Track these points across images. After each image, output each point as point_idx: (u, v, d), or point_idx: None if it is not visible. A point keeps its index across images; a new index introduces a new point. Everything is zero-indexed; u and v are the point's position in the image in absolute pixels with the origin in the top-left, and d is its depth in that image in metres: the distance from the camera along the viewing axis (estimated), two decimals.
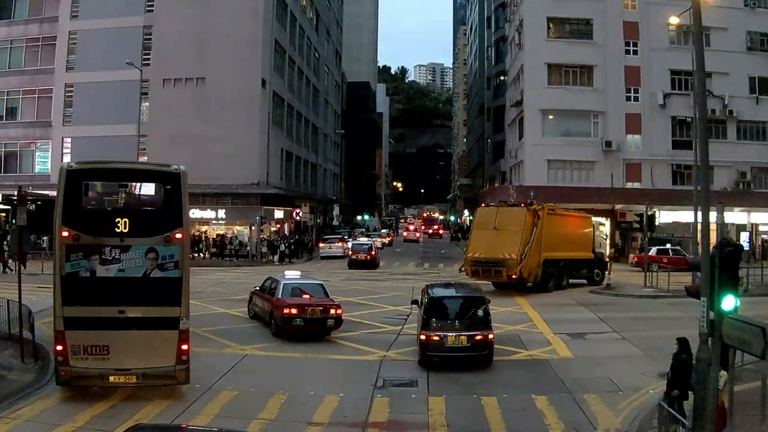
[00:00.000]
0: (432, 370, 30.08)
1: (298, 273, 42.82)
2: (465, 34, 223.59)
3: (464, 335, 30.32)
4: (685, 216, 71.86)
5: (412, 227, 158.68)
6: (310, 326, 35.46)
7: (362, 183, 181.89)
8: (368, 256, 78.61)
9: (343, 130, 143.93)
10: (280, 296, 36.72)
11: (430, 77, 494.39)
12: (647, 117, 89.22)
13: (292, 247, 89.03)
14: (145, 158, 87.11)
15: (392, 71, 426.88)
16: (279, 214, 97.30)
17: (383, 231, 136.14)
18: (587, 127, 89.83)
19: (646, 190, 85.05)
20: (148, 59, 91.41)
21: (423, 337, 30.72)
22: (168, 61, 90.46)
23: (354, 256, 79.07)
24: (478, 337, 30.34)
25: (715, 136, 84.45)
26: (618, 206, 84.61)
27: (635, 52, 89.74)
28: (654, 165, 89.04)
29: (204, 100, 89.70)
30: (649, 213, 62.30)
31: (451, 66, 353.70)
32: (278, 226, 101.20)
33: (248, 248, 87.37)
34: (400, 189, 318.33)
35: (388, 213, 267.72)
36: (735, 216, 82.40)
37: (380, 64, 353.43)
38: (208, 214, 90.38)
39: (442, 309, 31.91)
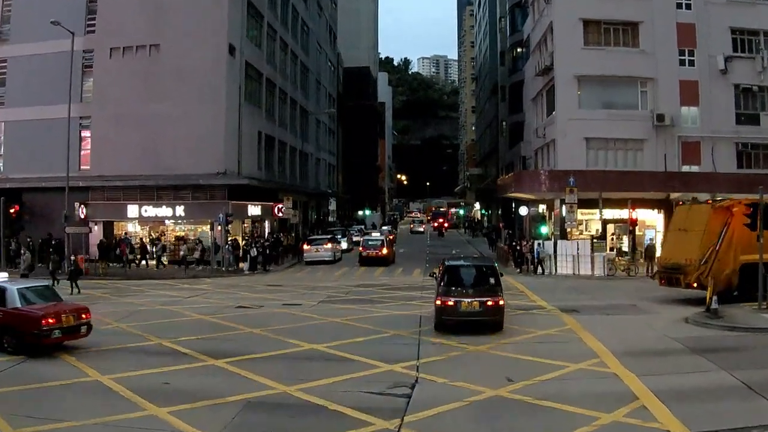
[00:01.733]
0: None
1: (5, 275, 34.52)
2: (471, 14, 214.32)
3: (477, 300, 33.35)
4: None
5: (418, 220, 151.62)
6: (67, 337, 30.83)
7: (363, 175, 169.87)
8: (379, 252, 76.62)
9: (334, 109, 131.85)
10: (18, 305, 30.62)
11: (434, 69, 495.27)
12: (705, 85, 73.01)
13: (268, 251, 71.85)
14: (88, 144, 71.62)
15: (395, 63, 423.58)
16: (254, 210, 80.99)
17: (384, 228, 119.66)
18: (633, 97, 73.82)
19: (708, 174, 70.50)
20: (93, 25, 75.53)
21: (439, 302, 34.00)
22: (116, 26, 74.43)
23: (365, 253, 77.29)
24: (490, 303, 33.33)
25: None
26: (674, 195, 68.06)
27: (688, 6, 73.56)
28: (715, 144, 73.13)
29: (159, 72, 73.48)
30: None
31: (456, 58, 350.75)
32: (257, 225, 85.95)
33: (208, 254, 70.62)
34: (405, 182, 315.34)
35: (392, 207, 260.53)
36: None
37: (383, 55, 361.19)
38: (163, 211, 73.94)
39: (457, 277, 35.82)
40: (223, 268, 67.41)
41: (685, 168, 72.79)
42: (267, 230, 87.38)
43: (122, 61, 74.52)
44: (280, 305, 45.07)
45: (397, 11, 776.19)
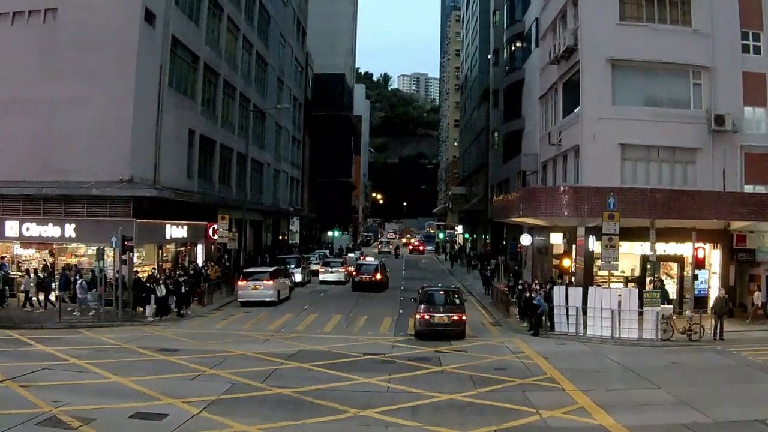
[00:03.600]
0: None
1: None
2: (458, 20, 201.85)
3: (445, 315, 44.43)
4: None
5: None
6: None
7: (334, 193, 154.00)
8: (373, 278, 73.77)
9: (288, 105, 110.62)
10: None
11: (414, 87, 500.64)
12: None
13: (183, 287, 52.98)
14: None
15: (374, 78, 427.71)
16: (177, 231, 62.30)
17: (350, 256, 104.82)
18: (684, 91, 56.76)
19: None
20: None
21: (418, 316, 44.84)
22: None
23: (358, 278, 74.09)
24: (455, 318, 44.53)
25: None
26: (737, 224, 52.69)
27: None
28: None
29: (56, 44, 55.25)
30: None
31: (437, 76, 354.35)
32: (185, 251, 67.49)
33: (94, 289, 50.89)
34: (381, 201, 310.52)
35: (366, 228, 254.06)
36: None
37: (362, 70, 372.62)
38: (50, 230, 54.39)
39: (431, 299, 46.63)
40: (118, 312, 48.59)
41: (748, 188, 55.90)
42: (200, 258, 69.38)
43: (10, 30, 56.34)
44: (127, 416, 24.83)
45: (380, 28, 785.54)
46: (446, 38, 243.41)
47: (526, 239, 70.23)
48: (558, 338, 44.98)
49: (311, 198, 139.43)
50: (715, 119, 54.59)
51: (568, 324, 46.06)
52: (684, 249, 52.86)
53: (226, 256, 72.17)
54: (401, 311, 56.18)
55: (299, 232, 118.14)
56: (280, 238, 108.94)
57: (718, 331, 44.28)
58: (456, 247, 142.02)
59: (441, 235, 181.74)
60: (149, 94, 56.96)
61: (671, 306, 47.21)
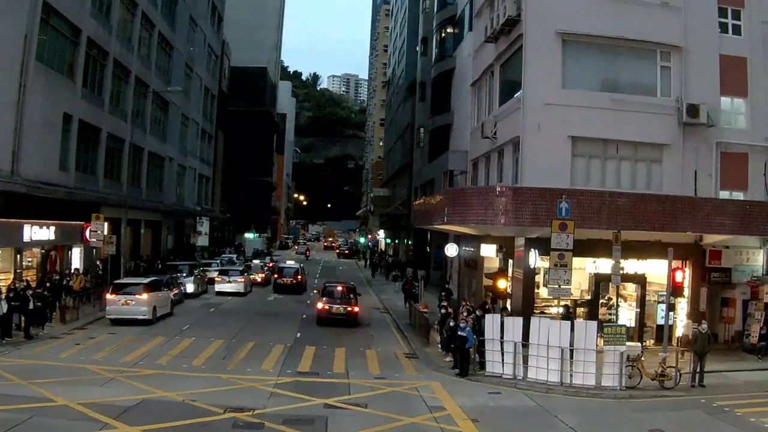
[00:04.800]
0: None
1: None
2: (387, 14, 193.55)
3: (342, 307, 52.94)
4: None
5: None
6: None
7: (252, 192, 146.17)
8: (294, 280, 76.85)
9: (180, 88, 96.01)
10: None
11: (344, 88, 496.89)
12: (758, 65, 48.44)
13: (32, 302, 41.86)
14: None
15: (304, 77, 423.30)
16: (40, 233, 51.32)
17: (256, 263, 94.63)
18: (650, 75, 47.91)
19: (756, 204, 44.21)
20: None
21: (320, 306, 53.26)
22: None
23: (280, 281, 77.00)
24: (349, 309, 53.02)
25: None
26: (710, 239, 44.40)
27: None
28: None
29: None
30: None
31: (367, 77, 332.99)
32: (54, 255, 56.00)
33: None
34: (304, 203, 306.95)
35: (289, 230, 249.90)
36: None
37: (292, 69, 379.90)
38: None
39: (330, 292, 54.89)
40: None
41: (724, 194, 47.66)
42: (76, 264, 58.48)
43: None
44: None
45: (313, 28, 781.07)
46: (375, 34, 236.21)
47: (451, 249, 60.42)
48: (491, 383, 35.21)
49: (225, 197, 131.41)
50: (687, 110, 45.87)
51: (503, 363, 36.35)
52: (646, 267, 44.47)
53: (99, 264, 61.20)
54: (299, 335, 47.20)
55: (208, 234, 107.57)
56: (186, 241, 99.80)
57: (697, 376, 35.66)
58: (378, 254, 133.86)
59: (362, 240, 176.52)
60: (8, 69, 46.76)
61: (639, 344, 38.42)
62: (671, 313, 42.07)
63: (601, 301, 44.62)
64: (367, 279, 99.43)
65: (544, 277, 41.32)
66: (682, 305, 44.50)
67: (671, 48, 46.50)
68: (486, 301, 49.05)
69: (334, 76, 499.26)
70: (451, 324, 39.61)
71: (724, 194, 47.23)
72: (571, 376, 34.62)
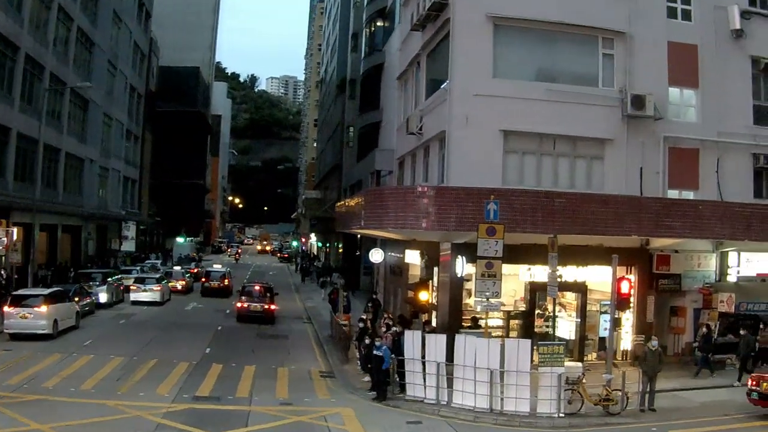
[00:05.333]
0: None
1: None
2: (322, 12, 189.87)
3: (259, 305, 57.14)
4: None
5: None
6: None
7: (184, 195, 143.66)
8: (221, 284, 77.62)
9: (89, 83, 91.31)
10: None
11: (282, 90, 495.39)
12: (709, 54, 44.86)
13: None
14: None
15: (242, 79, 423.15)
16: None
17: (177, 269, 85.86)
18: (591, 64, 43.82)
19: (716, 204, 41.57)
20: None
21: (239, 304, 57.65)
22: None
23: (207, 284, 77.93)
24: (266, 307, 57.22)
25: None
26: (657, 242, 40.99)
27: None
28: (723, 154, 44.69)
29: None
30: None
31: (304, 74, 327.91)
32: None
33: None
34: (240, 205, 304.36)
35: (224, 233, 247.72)
36: None
37: (230, 70, 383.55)
38: None
39: (249, 291, 59.35)
40: None
41: (673, 193, 43.77)
42: None
43: None
44: None
45: (252, 30, 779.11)
46: (311, 33, 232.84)
47: (376, 255, 56.27)
48: (411, 409, 31.39)
49: (155, 201, 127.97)
50: (632, 101, 41.91)
51: (425, 387, 32.39)
52: (587, 274, 40.57)
53: (2, 272, 56.26)
54: (208, 350, 43.10)
55: (135, 239, 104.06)
56: (108, 246, 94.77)
57: (647, 398, 31.91)
58: (307, 259, 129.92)
59: (294, 244, 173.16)
60: None
61: (580, 365, 33.63)
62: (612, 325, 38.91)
63: (537, 311, 40.50)
64: (296, 285, 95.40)
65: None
66: (628, 316, 40.83)
67: (614, 34, 42.62)
68: (403, 314, 45.07)
69: (273, 78, 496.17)
70: (367, 341, 35.27)
71: (672, 194, 43.57)
72: (502, 401, 30.48)
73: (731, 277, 43.06)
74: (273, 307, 58.29)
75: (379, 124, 73.20)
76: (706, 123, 44.29)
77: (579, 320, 40.78)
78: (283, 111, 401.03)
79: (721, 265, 43.28)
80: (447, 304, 39.00)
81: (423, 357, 32.15)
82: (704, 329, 39.39)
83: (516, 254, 36.04)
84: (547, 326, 39.55)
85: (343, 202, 60.52)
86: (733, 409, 31.64)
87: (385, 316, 42.52)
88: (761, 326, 39.71)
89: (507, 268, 36.73)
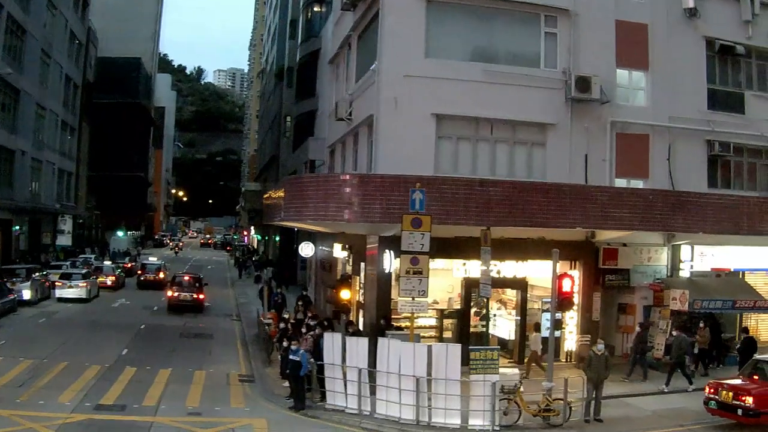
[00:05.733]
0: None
1: None
2: (265, 2, 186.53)
3: (188, 294, 58.83)
4: (743, 257, 41.51)
5: None
6: None
7: (125, 189, 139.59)
8: (156, 277, 77.99)
9: (9, 70, 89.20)
10: None
11: (229, 83, 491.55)
12: (660, 34, 42.45)
13: None
14: None
15: (188, 71, 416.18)
16: None
17: (107, 264, 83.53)
18: (532, 43, 40.81)
19: (659, 194, 38.39)
20: None
21: (169, 294, 59.54)
22: None
23: (143, 277, 79.07)
24: (195, 296, 58.96)
25: None
26: (604, 235, 38.49)
27: None
28: (675, 140, 42.22)
29: None
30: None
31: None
32: None
33: None
34: (185, 199, 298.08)
35: (167, 227, 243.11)
36: None
37: (177, 63, 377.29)
38: None
39: (179, 282, 61.48)
40: None
41: (621, 182, 41.18)
42: None
43: None
44: None
45: (199, 22, 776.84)
46: (255, 24, 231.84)
47: (306, 248, 54.48)
48: (331, 420, 28.72)
49: (94, 194, 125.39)
50: (576, 83, 38.96)
51: (347, 395, 29.41)
52: (528, 269, 38.09)
53: None
54: (125, 352, 40.08)
55: (72, 233, 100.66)
56: (38, 241, 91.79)
57: (593, 407, 29.10)
58: (245, 252, 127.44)
59: (233, 237, 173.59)
60: None
61: (517, 372, 30.67)
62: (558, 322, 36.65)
63: (474, 310, 37.70)
64: (232, 280, 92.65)
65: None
66: (572, 314, 38.25)
67: (558, 11, 39.72)
68: (317, 315, 41.66)
69: (220, 71, 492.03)
70: (284, 344, 32.33)
71: (620, 183, 40.89)
72: (430, 412, 27.56)
73: (684, 273, 40.30)
74: (202, 296, 60.36)
75: (315, 112, 70.74)
76: (657, 107, 41.88)
77: (518, 318, 38.50)
78: (229, 103, 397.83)
79: (673, 260, 40.59)
80: (374, 303, 35.98)
81: (345, 362, 29.09)
82: (638, 328, 37.01)
83: (449, 248, 34.37)
84: (483, 325, 36.95)
85: (269, 194, 57.28)
86: (689, 419, 29.28)
87: (309, 315, 39.53)
88: (700, 325, 37.76)
89: (440, 264, 35.73)
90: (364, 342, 29.18)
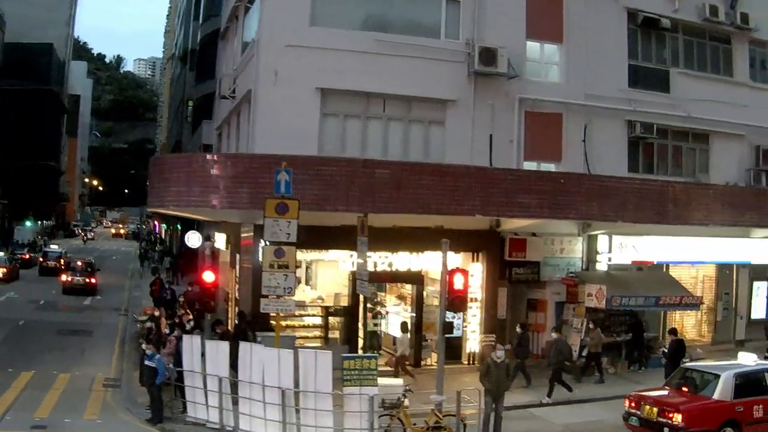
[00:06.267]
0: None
1: None
2: None
3: (81, 278, 61.94)
4: (667, 248, 38.12)
5: None
6: None
7: (34, 178, 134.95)
8: (57, 264, 77.61)
9: None
10: None
11: (150, 72, 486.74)
12: (577, 4, 39.59)
13: None
14: None
15: (107, 60, 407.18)
16: None
17: (1, 255, 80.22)
18: (432, 11, 37.34)
19: (573, 178, 35.19)
20: None
21: (64, 278, 62.60)
22: None
23: (44, 263, 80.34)
24: (88, 280, 62.16)
25: (713, 68, 43.62)
26: (509, 224, 35.02)
27: None
28: (592, 120, 39.12)
29: None
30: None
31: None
32: None
33: None
34: (101, 188, 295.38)
35: (82, 217, 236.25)
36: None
37: (96, 51, 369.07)
38: None
39: (73, 267, 64.84)
40: None
41: (531, 166, 37.90)
42: None
43: None
44: None
45: (120, 12, 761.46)
46: (169, 10, 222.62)
47: (193, 237, 51.75)
48: None
49: (1, 182, 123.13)
50: (481, 56, 35.34)
51: (208, 407, 25.62)
52: (425, 262, 34.31)
53: None
54: None
55: None
56: None
57: (492, 424, 24.98)
58: (151, 242, 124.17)
59: (143, 227, 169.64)
60: None
61: (401, 383, 26.08)
62: (459, 322, 34.89)
63: (368, 306, 33.48)
64: (133, 271, 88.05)
65: None
66: (474, 311, 35.07)
67: None
68: (183, 312, 37.76)
69: (140, 60, 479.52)
70: (143, 347, 28.45)
71: (530, 166, 37.60)
72: (299, 430, 23.47)
73: (601, 266, 37.05)
74: (94, 280, 63.65)
75: (214, 94, 64.73)
76: (572, 84, 38.56)
77: (414, 314, 35.04)
78: (148, 92, 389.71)
79: (589, 252, 37.47)
80: (250, 300, 32.22)
81: (205, 370, 25.25)
82: (518, 328, 32.90)
83: (333, 238, 30.99)
84: (376, 324, 34.23)
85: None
86: None
87: (181, 311, 35.65)
88: (590, 326, 34.68)
89: (333, 255, 33.88)
90: (224, 346, 25.25)
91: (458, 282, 25.31)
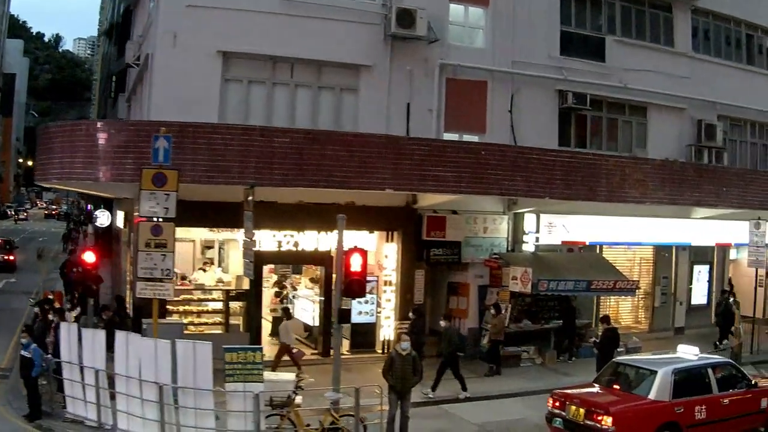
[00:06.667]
0: None
1: None
2: None
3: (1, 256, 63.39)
4: (601, 228, 36.80)
5: None
6: None
7: None
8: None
9: None
10: None
11: (90, 51, 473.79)
12: None
13: None
14: None
15: (46, 39, 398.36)
16: None
17: None
18: None
19: (495, 149, 32.66)
20: None
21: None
22: None
23: None
24: (6, 257, 63.77)
25: (653, 37, 41.69)
26: (427, 200, 32.82)
27: None
28: (519, 89, 36.91)
29: None
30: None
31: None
32: None
33: None
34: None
35: (17, 197, 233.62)
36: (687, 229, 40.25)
37: (35, 30, 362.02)
38: None
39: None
40: None
41: (452, 137, 35.37)
42: None
43: None
44: None
45: None
46: None
47: (102, 216, 49.48)
48: None
49: None
50: (398, 17, 32.74)
51: (86, 402, 22.94)
52: (332, 241, 30.61)
53: None
54: None
55: None
56: None
57: (397, 424, 22.33)
58: (76, 223, 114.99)
59: (69, 207, 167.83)
60: None
61: (292, 378, 23.08)
62: (372, 307, 32.56)
63: (275, 290, 33.20)
64: (57, 253, 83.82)
65: None
66: (389, 295, 32.84)
67: None
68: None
69: (80, 39, 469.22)
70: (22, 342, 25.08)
71: (451, 137, 35.06)
72: (179, 430, 20.97)
73: (528, 246, 34.68)
74: (12, 257, 65.93)
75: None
76: (499, 50, 36.23)
77: (323, 298, 32.21)
78: (86, 71, 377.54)
79: (515, 231, 35.13)
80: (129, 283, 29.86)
81: (81, 362, 22.66)
82: (411, 314, 30.30)
83: (232, 215, 27.14)
84: (285, 309, 31.00)
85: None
86: None
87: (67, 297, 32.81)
88: (492, 312, 31.66)
89: (237, 235, 31.95)
90: (101, 336, 22.51)
91: (356, 263, 22.32)
